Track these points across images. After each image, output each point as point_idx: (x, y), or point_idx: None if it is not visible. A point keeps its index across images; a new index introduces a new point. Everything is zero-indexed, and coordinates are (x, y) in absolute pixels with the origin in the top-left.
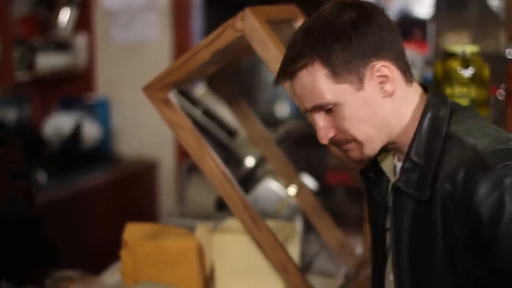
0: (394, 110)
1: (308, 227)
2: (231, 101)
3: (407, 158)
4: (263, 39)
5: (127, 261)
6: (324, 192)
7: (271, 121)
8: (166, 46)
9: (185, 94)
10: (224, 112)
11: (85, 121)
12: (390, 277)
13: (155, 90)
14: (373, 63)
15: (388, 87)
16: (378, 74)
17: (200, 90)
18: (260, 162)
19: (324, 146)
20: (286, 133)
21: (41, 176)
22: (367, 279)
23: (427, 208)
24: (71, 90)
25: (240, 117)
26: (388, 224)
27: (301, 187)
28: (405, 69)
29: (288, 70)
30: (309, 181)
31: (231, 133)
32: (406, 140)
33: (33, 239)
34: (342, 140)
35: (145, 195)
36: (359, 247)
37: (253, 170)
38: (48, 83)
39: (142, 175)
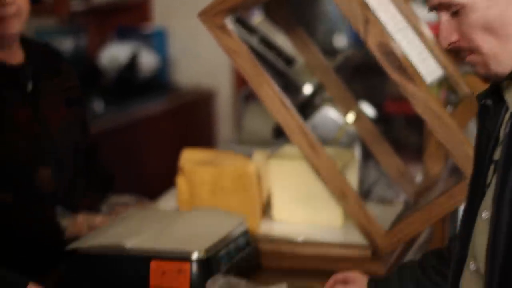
0: None
1: (367, 155)
2: (288, 29)
3: None
4: None
5: (183, 187)
6: (383, 121)
7: (329, 52)
8: None
9: (242, 22)
10: (281, 40)
11: (142, 50)
12: (483, 215)
13: (211, 15)
14: None
15: None
16: None
17: (257, 18)
18: (318, 90)
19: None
20: (345, 60)
21: (98, 105)
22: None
23: None
24: (127, 20)
25: (297, 45)
26: (496, 156)
27: (360, 114)
28: None
29: None
30: (368, 109)
31: (289, 60)
32: None
33: (88, 166)
34: (465, 48)
35: (202, 124)
36: (418, 175)
37: (311, 97)
38: (104, 13)
39: (199, 104)
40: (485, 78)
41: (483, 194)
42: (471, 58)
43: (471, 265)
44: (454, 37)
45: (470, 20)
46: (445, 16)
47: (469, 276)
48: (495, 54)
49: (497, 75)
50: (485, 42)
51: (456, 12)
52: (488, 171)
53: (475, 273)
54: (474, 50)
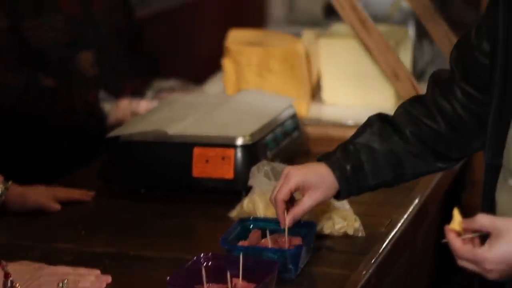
0: None
1: (421, 33)
2: None
3: None
4: None
5: (230, 69)
6: None
7: None
8: None
9: None
10: None
11: None
12: None
13: None
14: None
15: None
16: None
17: None
18: None
19: None
20: None
21: None
22: None
23: None
24: None
25: None
26: None
27: None
28: None
29: None
30: None
31: None
32: None
33: (133, 50)
34: None
35: (251, 3)
36: None
37: None
38: None
39: None
40: None
41: None
42: None
43: (510, 181)
44: None
45: None
46: None
47: (509, 190)
48: None
49: None
50: None
51: None
52: None
53: None
54: None
